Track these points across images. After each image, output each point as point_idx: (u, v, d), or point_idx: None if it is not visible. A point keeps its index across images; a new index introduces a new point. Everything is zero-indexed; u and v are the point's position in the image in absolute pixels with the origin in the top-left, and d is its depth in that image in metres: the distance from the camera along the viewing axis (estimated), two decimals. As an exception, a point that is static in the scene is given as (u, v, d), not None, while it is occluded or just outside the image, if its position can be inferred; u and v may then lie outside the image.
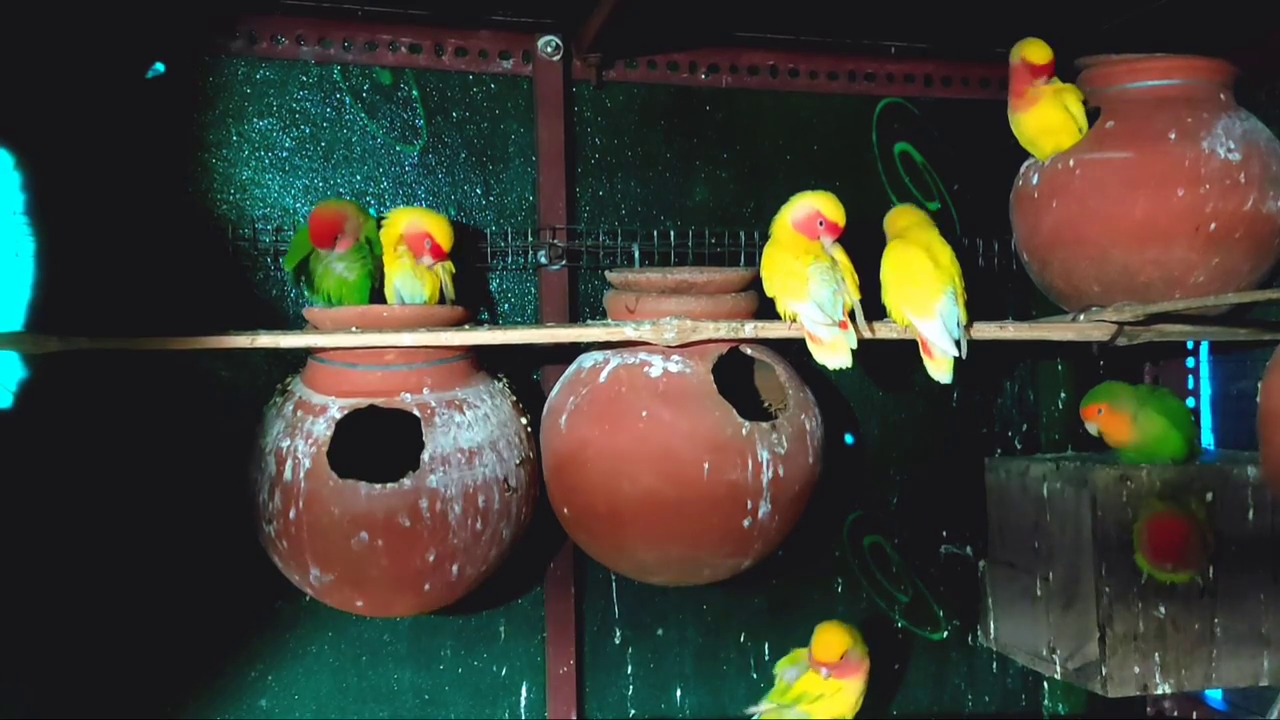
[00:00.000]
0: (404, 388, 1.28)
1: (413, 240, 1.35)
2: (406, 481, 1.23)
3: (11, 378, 1.39)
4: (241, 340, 1.26)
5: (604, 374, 1.33)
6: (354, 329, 1.27)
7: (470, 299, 1.55)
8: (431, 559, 1.25)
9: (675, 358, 1.32)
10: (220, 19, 1.45)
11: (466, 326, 1.33)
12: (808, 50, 1.65)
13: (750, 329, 1.32)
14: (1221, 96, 1.43)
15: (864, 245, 1.55)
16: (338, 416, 1.25)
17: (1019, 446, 1.75)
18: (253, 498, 1.27)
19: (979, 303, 1.70)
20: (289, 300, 1.48)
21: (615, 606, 1.60)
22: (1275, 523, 1.42)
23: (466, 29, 1.53)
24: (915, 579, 1.72)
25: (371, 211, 1.48)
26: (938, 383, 1.31)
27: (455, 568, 1.28)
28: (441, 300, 1.39)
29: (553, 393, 1.39)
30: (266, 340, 1.26)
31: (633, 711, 1.61)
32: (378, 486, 1.22)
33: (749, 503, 1.29)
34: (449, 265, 1.38)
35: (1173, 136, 1.38)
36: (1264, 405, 1.23)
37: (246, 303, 1.47)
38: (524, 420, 1.36)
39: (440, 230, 1.35)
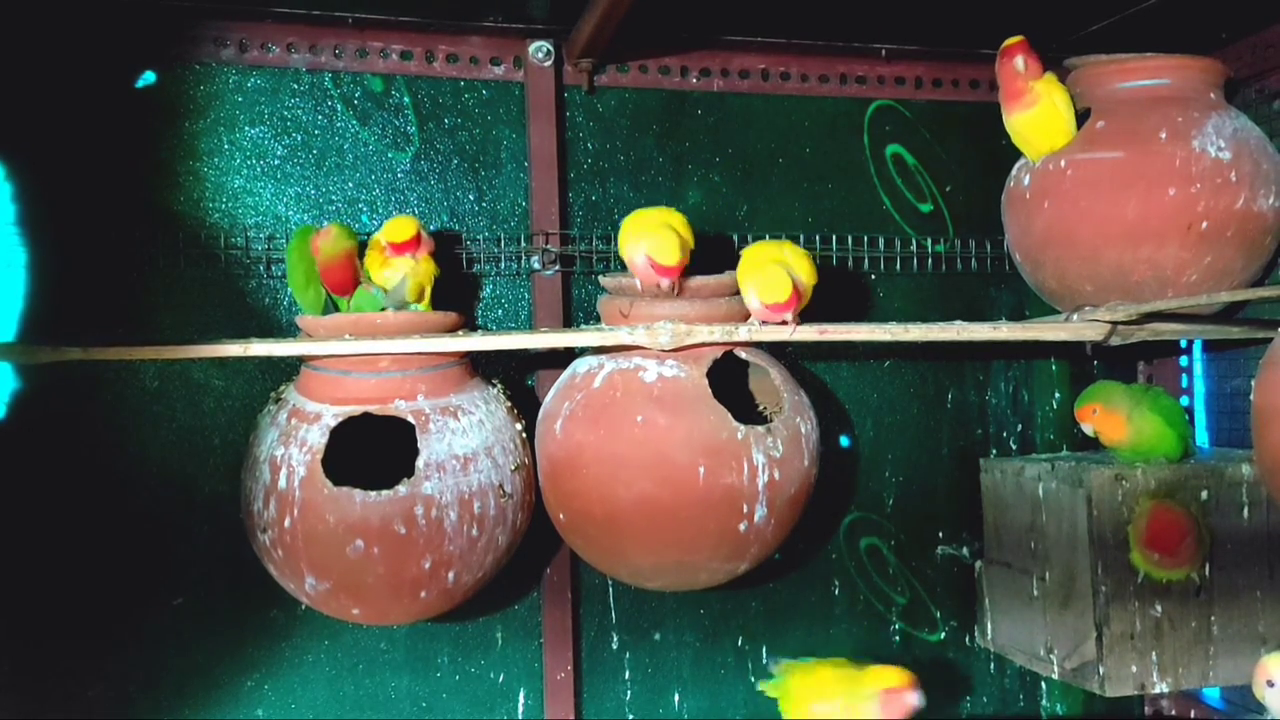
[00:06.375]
0: (398, 394, 1.28)
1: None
2: (402, 488, 1.23)
3: (4, 389, 1.38)
4: (235, 349, 1.25)
5: (598, 379, 1.33)
6: (347, 336, 1.27)
7: (464, 305, 1.55)
8: (427, 566, 1.25)
9: (670, 362, 1.31)
10: (211, 27, 1.44)
11: (460, 332, 1.33)
12: (798, 53, 1.65)
13: (744, 332, 1.32)
14: (1211, 95, 1.43)
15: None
16: (332, 424, 1.25)
17: (1014, 447, 1.75)
18: (247, 506, 1.27)
19: (973, 304, 1.71)
20: (282, 308, 1.48)
21: (612, 611, 1.60)
22: (1271, 520, 1.43)
23: (457, 35, 1.52)
24: (912, 580, 1.71)
25: (365, 219, 1.50)
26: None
27: (451, 574, 1.27)
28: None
29: (547, 398, 1.39)
30: (260, 348, 1.26)
31: (631, 716, 1.60)
32: (373, 494, 1.22)
33: (745, 506, 1.29)
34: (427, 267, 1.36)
35: (1163, 136, 1.38)
36: (1258, 403, 1.23)
37: (240, 311, 1.46)
38: (519, 426, 1.36)
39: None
